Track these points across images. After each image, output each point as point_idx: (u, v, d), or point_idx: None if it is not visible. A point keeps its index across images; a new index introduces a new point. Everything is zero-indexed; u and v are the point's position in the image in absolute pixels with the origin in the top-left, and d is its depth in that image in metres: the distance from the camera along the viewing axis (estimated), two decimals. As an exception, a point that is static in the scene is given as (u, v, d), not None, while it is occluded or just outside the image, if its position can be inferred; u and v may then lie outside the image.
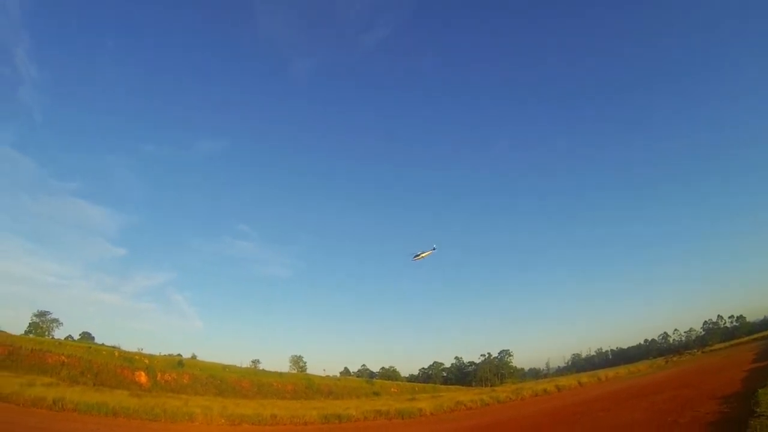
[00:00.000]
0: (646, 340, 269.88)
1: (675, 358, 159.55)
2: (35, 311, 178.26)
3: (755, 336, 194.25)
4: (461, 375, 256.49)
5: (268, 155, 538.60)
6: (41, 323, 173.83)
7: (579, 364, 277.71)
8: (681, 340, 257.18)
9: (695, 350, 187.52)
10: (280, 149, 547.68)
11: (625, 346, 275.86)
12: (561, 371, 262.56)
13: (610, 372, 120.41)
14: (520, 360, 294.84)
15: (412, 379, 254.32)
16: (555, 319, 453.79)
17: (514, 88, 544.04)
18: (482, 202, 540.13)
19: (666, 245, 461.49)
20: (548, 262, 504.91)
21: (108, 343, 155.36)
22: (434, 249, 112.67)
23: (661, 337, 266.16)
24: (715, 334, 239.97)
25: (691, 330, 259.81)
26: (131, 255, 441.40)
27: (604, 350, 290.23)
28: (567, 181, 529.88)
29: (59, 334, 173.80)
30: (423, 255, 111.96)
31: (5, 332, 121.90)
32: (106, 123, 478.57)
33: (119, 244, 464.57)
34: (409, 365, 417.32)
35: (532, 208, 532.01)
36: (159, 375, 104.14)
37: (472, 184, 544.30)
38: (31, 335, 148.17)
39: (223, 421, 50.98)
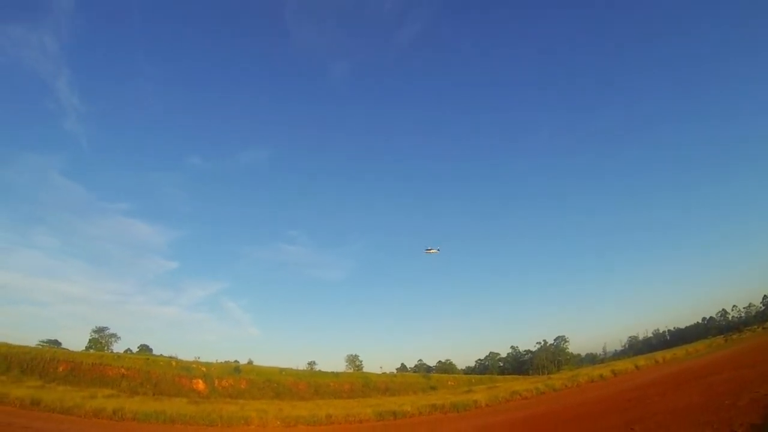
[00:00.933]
0: (704, 319, 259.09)
1: (734, 336, 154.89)
2: (94, 328, 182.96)
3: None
4: (518, 364, 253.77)
5: (312, 160, 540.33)
6: (100, 339, 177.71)
7: (636, 347, 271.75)
8: (740, 317, 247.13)
9: (756, 327, 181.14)
10: (324, 153, 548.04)
11: (682, 326, 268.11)
12: (618, 355, 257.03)
13: (668, 354, 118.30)
14: (577, 345, 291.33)
15: (468, 371, 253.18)
16: (610, 301, 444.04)
17: (552, 78, 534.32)
18: (529, 190, 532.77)
19: (721, 220, 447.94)
20: (600, 243, 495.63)
21: (166, 354, 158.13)
22: (438, 250, 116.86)
23: (719, 315, 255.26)
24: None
25: (750, 305, 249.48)
26: (184, 268, 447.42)
27: (661, 331, 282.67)
28: (615, 163, 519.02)
29: (118, 348, 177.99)
30: (432, 251, 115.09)
31: (67, 349, 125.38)
32: (149, 142, 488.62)
33: (172, 258, 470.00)
34: (465, 357, 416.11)
35: (580, 192, 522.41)
36: (216, 382, 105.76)
37: (514, 174, 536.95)
38: (91, 351, 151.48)
39: (278, 423, 51.68)
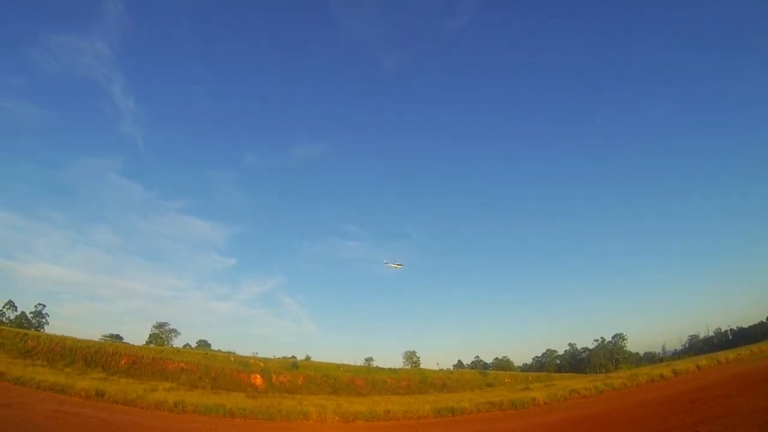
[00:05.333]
0: None
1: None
2: (155, 323, 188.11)
3: None
4: (575, 362, 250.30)
5: (367, 154, 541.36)
6: (160, 334, 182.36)
7: (697, 347, 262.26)
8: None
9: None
10: (378, 147, 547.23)
11: (746, 325, 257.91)
12: (678, 354, 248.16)
13: (731, 354, 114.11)
14: (635, 344, 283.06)
15: (525, 368, 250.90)
16: (670, 298, 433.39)
17: (609, 71, 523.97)
18: (586, 189, 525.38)
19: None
20: (660, 241, 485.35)
21: (224, 349, 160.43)
22: (401, 265, 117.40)
23: None
24: None
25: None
26: (241, 264, 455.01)
27: (723, 330, 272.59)
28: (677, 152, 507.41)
29: (177, 342, 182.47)
30: (391, 265, 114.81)
31: (129, 344, 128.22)
32: (203, 141, 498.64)
33: (229, 255, 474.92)
34: (522, 354, 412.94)
35: (634, 190, 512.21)
36: (274, 377, 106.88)
37: (574, 171, 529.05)
38: (151, 345, 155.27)
39: (337, 418, 51.66)
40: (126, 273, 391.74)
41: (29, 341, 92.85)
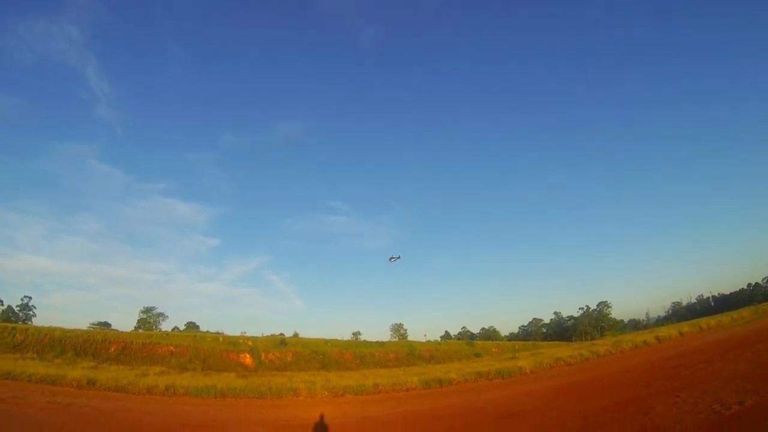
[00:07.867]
0: (749, 284, 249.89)
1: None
2: (142, 308, 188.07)
3: None
4: (561, 330, 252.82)
5: (348, 129, 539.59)
6: (148, 318, 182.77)
7: (679, 313, 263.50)
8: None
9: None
10: (360, 122, 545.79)
11: (727, 292, 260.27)
12: (661, 321, 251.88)
13: (712, 320, 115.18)
14: (619, 311, 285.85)
15: (512, 337, 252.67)
16: (654, 266, 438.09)
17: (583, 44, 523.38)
18: (569, 160, 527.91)
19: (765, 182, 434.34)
20: (643, 209, 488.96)
21: (212, 330, 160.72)
22: (397, 258, 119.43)
23: (765, 281, 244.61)
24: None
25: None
26: (225, 244, 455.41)
27: (705, 297, 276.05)
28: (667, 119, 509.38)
29: (166, 326, 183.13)
30: (394, 258, 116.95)
31: (117, 330, 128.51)
32: (182, 122, 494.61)
33: (212, 236, 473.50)
34: (508, 324, 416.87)
35: (615, 160, 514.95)
36: (263, 355, 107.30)
37: (556, 142, 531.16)
38: (140, 330, 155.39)
39: (326, 393, 52.32)
40: (111, 259, 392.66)
41: (18, 335, 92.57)
